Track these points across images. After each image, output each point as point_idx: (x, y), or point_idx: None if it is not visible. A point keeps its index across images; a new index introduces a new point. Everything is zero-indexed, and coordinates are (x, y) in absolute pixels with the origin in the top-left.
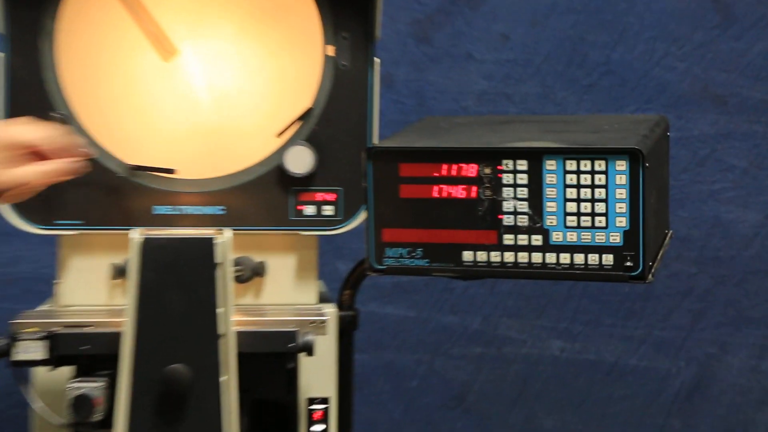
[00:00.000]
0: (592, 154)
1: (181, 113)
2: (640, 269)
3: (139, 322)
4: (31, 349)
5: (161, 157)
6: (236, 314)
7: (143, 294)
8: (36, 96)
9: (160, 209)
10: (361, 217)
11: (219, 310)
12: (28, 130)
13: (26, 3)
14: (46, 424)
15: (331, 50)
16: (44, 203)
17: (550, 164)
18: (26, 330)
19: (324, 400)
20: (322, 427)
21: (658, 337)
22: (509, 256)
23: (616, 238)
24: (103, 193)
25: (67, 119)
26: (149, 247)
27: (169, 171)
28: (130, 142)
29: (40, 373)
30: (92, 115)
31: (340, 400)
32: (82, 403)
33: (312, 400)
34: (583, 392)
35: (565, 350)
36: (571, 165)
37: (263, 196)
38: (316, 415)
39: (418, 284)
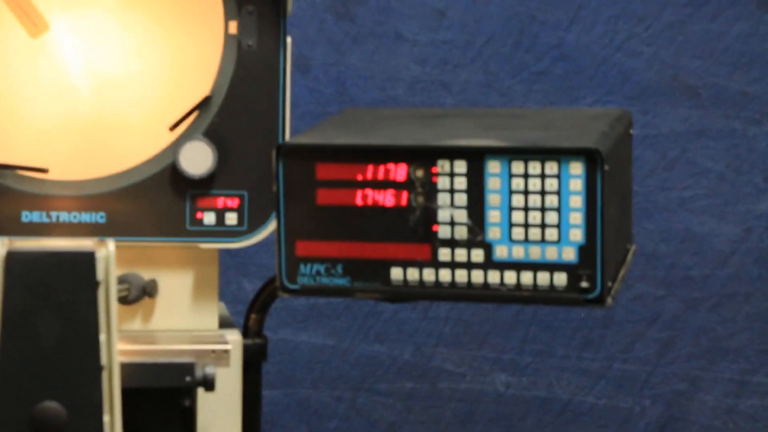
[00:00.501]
0: (543, 154)
1: (53, 101)
2: (597, 291)
3: (4, 353)
4: None
5: (30, 154)
6: (121, 342)
7: (8, 318)
8: None
9: (30, 216)
10: (271, 227)
11: (101, 337)
12: None
13: None
14: None
15: (233, 27)
16: None
17: (493, 166)
18: None
19: None
20: None
21: (620, 371)
22: (445, 275)
23: (570, 255)
24: None
25: None
26: (15, 261)
27: (41, 170)
28: None
29: None
30: None
31: None
32: None
33: None
34: None
35: (511, 386)
36: (517, 167)
37: (153, 202)
38: None
39: (338, 307)
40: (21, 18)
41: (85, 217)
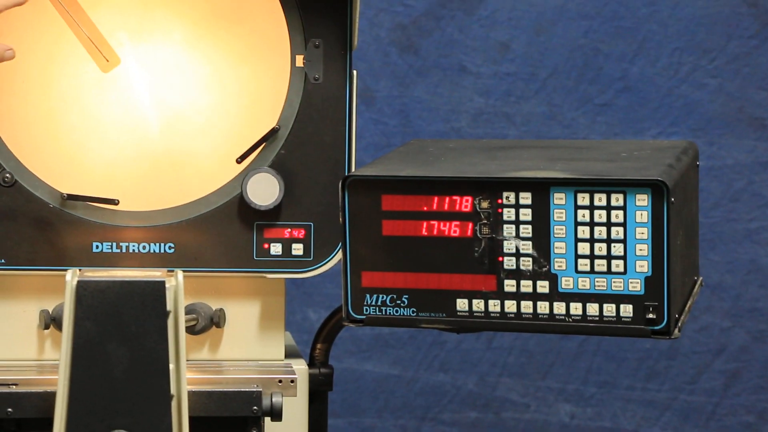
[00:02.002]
0: (608, 186)
1: (123, 134)
2: (664, 322)
3: (75, 381)
4: None
5: (101, 186)
6: (190, 371)
7: (79, 347)
8: None
9: (100, 246)
10: (336, 257)
11: (170, 367)
12: None
13: None
14: None
15: (300, 60)
16: None
17: (559, 198)
18: None
19: None
20: None
21: (685, 403)
22: (511, 306)
23: (636, 286)
24: (31, 226)
25: None
26: (87, 291)
27: (111, 201)
28: (64, 168)
29: None
30: (19, 135)
31: None
32: None
33: None
34: None
35: (576, 416)
36: (583, 199)
37: (221, 232)
38: None
39: (402, 337)
40: (93, 53)
41: (154, 247)
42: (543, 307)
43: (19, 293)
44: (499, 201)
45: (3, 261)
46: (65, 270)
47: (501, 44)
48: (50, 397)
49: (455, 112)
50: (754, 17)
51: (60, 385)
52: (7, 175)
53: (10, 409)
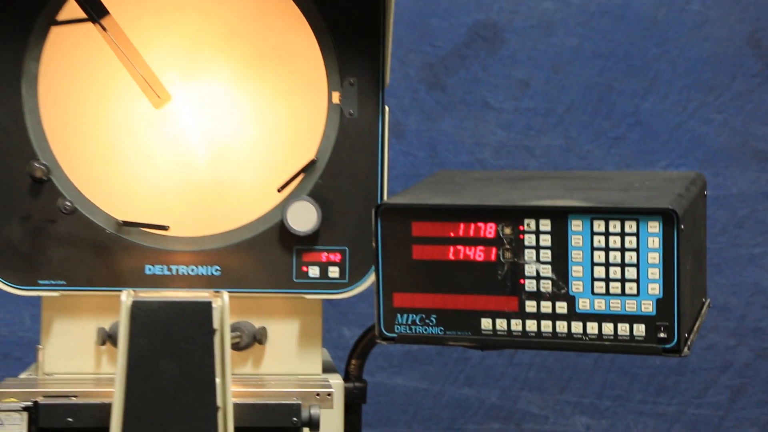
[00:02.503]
0: (622, 214)
1: (173, 164)
2: (674, 341)
3: (129, 393)
4: (9, 422)
5: (153, 213)
6: (234, 385)
7: (133, 362)
8: (17, 144)
9: (152, 269)
10: (370, 279)
11: (216, 381)
12: None
13: (7, 43)
14: None
15: (336, 97)
16: (26, 262)
17: (576, 225)
18: (5, 400)
19: None
20: None
21: (693, 416)
22: (531, 325)
23: (648, 307)
24: (90, 251)
25: (50, 170)
26: (140, 310)
27: (163, 228)
28: (120, 196)
29: None
30: (78, 166)
31: None
32: None
33: None
34: None
35: (591, 427)
36: (599, 226)
37: (263, 256)
38: None
39: (430, 353)
40: (146, 90)
41: (202, 270)
42: (561, 326)
43: (79, 312)
44: (521, 227)
45: (64, 282)
46: (120, 291)
47: (521, 82)
48: (107, 408)
49: (479, 145)
50: (757, 57)
51: (116, 397)
52: (68, 203)
53: (70, 419)
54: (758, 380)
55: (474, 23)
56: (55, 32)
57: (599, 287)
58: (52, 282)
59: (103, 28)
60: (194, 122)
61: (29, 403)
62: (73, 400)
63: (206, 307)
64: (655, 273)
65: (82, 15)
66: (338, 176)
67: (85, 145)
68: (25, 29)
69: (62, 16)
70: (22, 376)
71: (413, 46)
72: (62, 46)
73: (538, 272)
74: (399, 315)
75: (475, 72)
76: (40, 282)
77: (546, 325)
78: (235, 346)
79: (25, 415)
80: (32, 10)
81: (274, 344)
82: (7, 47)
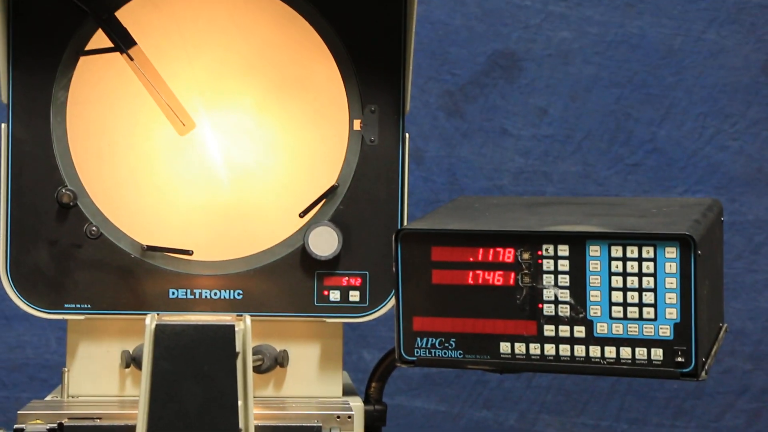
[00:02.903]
0: (640, 239)
1: (197, 190)
2: (692, 366)
3: (153, 416)
4: None
5: (177, 238)
6: (256, 407)
7: (157, 384)
8: (45, 170)
9: (176, 293)
10: (390, 303)
11: (239, 403)
12: None
13: (37, 72)
14: None
15: (357, 124)
16: (52, 285)
17: (594, 250)
18: (31, 422)
19: None
20: None
21: None
22: (550, 349)
23: (665, 332)
24: (114, 275)
25: (77, 196)
26: (164, 333)
27: (186, 252)
28: (144, 221)
29: None
30: (104, 192)
31: None
32: None
33: None
34: None
35: None
36: (616, 251)
37: (285, 280)
38: None
39: (449, 376)
40: (171, 118)
41: (225, 294)
42: (579, 350)
43: (103, 335)
44: (539, 252)
45: (89, 306)
46: (145, 314)
47: (539, 109)
48: (131, 430)
49: (498, 171)
50: None
51: (139, 419)
52: (93, 228)
53: None
54: None
55: (493, 52)
56: (83, 61)
57: (617, 312)
58: (78, 305)
59: (130, 58)
60: (218, 149)
61: (54, 425)
62: (98, 422)
63: (229, 330)
64: (672, 298)
65: (110, 45)
66: (359, 202)
67: (111, 171)
68: (55, 59)
69: (90, 46)
70: (48, 398)
71: (433, 74)
72: (90, 75)
73: (556, 297)
74: (419, 338)
75: (494, 100)
76: (66, 305)
77: (564, 349)
78: (257, 369)
79: None
80: (61, 41)
81: (296, 367)
82: (37, 76)
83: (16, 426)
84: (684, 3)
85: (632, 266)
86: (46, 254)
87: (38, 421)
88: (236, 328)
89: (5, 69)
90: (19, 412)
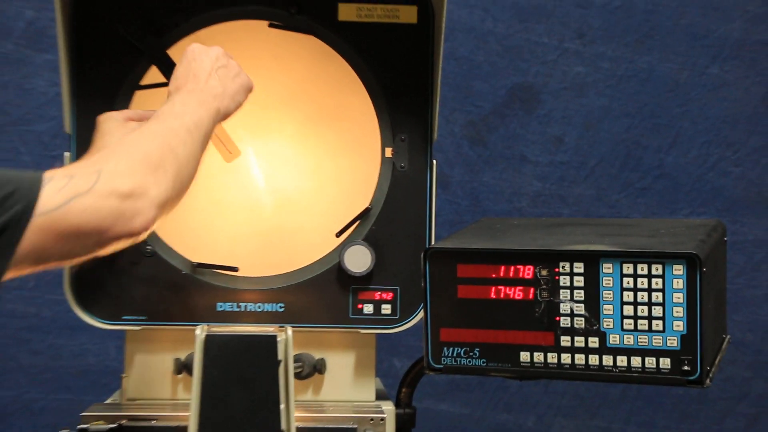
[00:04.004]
0: (649, 258)
1: (242, 212)
2: (697, 374)
3: (203, 418)
4: None
5: (224, 255)
6: (297, 410)
7: (207, 389)
8: None
9: (223, 306)
10: (419, 316)
11: (281, 407)
12: None
13: (97, 104)
14: None
15: (389, 152)
16: (112, 299)
17: (607, 267)
18: (93, 423)
19: None
20: None
21: None
22: (566, 358)
23: (673, 342)
24: (167, 289)
25: None
26: (213, 343)
27: (232, 269)
28: (194, 241)
29: None
30: None
31: None
32: None
33: None
34: None
35: None
36: (628, 268)
37: (322, 294)
38: None
39: (472, 382)
40: (218, 146)
41: (267, 307)
42: (593, 359)
43: (157, 344)
44: (557, 270)
45: (145, 317)
46: (195, 326)
47: (556, 138)
48: (183, 430)
49: (517, 195)
50: None
51: (191, 421)
52: (148, 247)
53: None
54: None
55: (513, 85)
56: (138, 95)
57: (628, 324)
58: (135, 317)
59: None
60: (261, 174)
61: (114, 426)
62: (153, 423)
63: (272, 340)
64: (679, 311)
65: (163, 80)
66: (390, 223)
67: None
68: (113, 92)
69: (145, 81)
70: (108, 401)
71: (458, 105)
72: (145, 108)
73: (572, 310)
74: (445, 348)
75: (514, 129)
76: (124, 317)
77: (579, 358)
78: (298, 376)
79: None
80: (119, 76)
81: (332, 374)
82: (97, 108)
83: (79, 426)
84: (689, 40)
85: (642, 282)
86: (106, 271)
87: (100, 422)
88: (278, 339)
89: (69, 101)
90: (82, 413)
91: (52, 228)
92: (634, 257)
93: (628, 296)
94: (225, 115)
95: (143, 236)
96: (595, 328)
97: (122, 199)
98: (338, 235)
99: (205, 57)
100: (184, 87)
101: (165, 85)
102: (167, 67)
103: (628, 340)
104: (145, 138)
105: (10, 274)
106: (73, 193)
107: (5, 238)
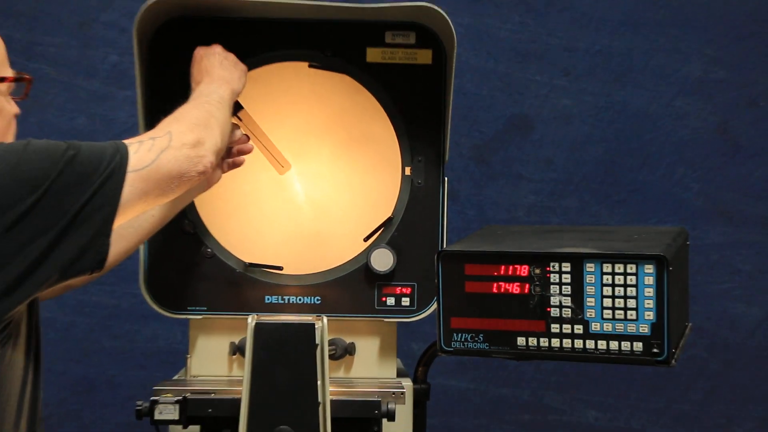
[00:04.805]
0: (625, 259)
1: (286, 220)
2: (665, 355)
3: (253, 392)
4: (167, 411)
5: (271, 257)
6: (331, 386)
7: (256, 368)
8: None
9: (270, 298)
10: (433, 307)
11: (318, 383)
12: None
13: None
14: None
15: (408, 171)
16: (178, 293)
17: (590, 267)
18: (164, 395)
19: None
20: None
21: (677, 410)
22: (555, 342)
23: (644, 329)
24: (224, 285)
25: (195, 226)
26: (261, 330)
27: (278, 268)
28: (246, 244)
29: (175, 430)
30: (217, 222)
31: None
32: None
33: None
34: None
35: (599, 419)
36: (607, 268)
37: (353, 289)
38: None
39: (477, 362)
40: (273, 162)
41: (307, 299)
42: (578, 343)
43: (216, 330)
44: (548, 269)
45: (205, 308)
46: (247, 315)
47: (547, 159)
48: (237, 402)
49: (515, 206)
50: (724, 140)
51: (243, 394)
52: (209, 250)
53: (210, 410)
54: (725, 384)
55: (510, 115)
56: None
57: (607, 314)
58: (197, 308)
59: (239, 119)
60: (302, 189)
61: (180, 398)
62: (212, 396)
63: (310, 327)
64: (650, 303)
65: None
66: (409, 229)
67: (221, 206)
68: None
69: None
70: (175, 377)
71: (465, 132)
72: None
73: (560, 302)
74: (455, 334)
75: (512, 152)
76: (189, 308)
77: (566, 342)
78: (332, 357)
79: (177, 406)
80: None
81: (361, 355)
82: None
83: (152, 398)
84: (657, 78)
85: (619, 279)
86: (174, 270)
87: (169, 395)
88: (316, 326)
89: (143, 130)
90: (154, 387)
91: (152, 176)
92: (612, 258)
93: (607, 291)
94: (237, 93)
95: (207, 175)
96: (579, 317)
97: (190, 147)
98: (366, 239)
99: (210, 55)
100: (202, 80)
101: None
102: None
103: (607, 327)
104: (192, 108)
105: (121, 219)
106: (159, 150)
107: (113, 181)
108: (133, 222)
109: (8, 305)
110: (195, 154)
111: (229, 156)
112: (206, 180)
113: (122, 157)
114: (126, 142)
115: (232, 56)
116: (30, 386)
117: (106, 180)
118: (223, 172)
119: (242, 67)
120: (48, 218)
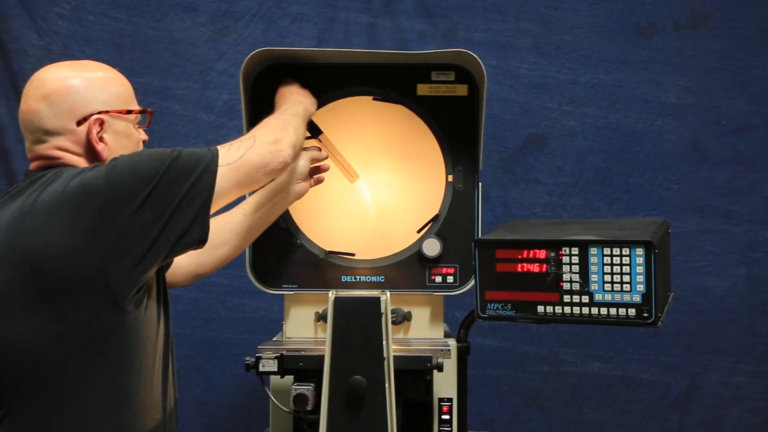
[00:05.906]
0: (621, 244)
1: (357, 217)
2: (653, 318)
3: (334, 350)
4: (268, 365)
5: (346, 245)
6: (393, 345)
7: (336, 332)
8: None
9: (345, 278)
10: (471, 283)
11: (383, 343)
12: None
13: None
14: (279, 412)
15: (450, 178)
16: (275, 273)
17: (593, 251)
18: (266, 352)
19: (449, 400)
20: (448, 417)
21: (663, 362)
22: (567, 309)
23: (637, 298)
24: (310, 267)
25: (288, 223)
26: (339, 303)
27: (351, 254)
28: (327, 236)
29: (275, 380)
30: (304, 220)
31: (459, 399)
32: (299, 399)
33: (441, 400)
34: (614, 396)
35: (603, 369)
36: (606, 251)
37: (409, 270)
38: (445, 409)
39: (506, 325)
40: (344, 173)
41: (374, 278)
42: (585, 310)
43: (304, 303)
44: (561, 252)
45: (296, 285)
46: (328, 291)
47: (558, 167)
48: (321, 358)
49: (534, 204)
50: (695, 151)
51: (326, 352)
52: (298, 241)
53: (301, 363)
54: (702, 341)
55: (529, 134)
56: None
57: (608, 287)
58: (290, 285)
59: (320, 141)
60: (369, 193)
61: (278, 355)
62: (302, 353)
63: (377, 301)
64: (640, 278)
65: (308, 134)
66: (452, 224)
67: (306, 208)
68: None
69: None
70: (274, 339)
71: (494, 147)
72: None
73: (571, 278)
74: (489, 304)
75: (531, 162)
76: (283, 285)
77: (576, 309)
78: (393, 322)
79: (276, 361)
80: None
81: (416, 321)
82: None
83: (257, 355)
84: (642, 104)
85: (616, 260)
86: (273, 256)
87: (269, 352)
88: (381, 299)
89: None
90: (258, 346)
91: (241, 168)
92: (611, 244)
93: (607, 269)
94: (310, 112)
95: (288, 167)
96: (586, 289)
97: (271, 144)
98: (418, 231)
99: (289, 88)
100: (281, 105)
101: (309, 137)
102: (311, 126)
103: (608, 297)
104: (272, 119)
105: (219, 203)
106: (246, 148)
107: (208, 173)
108: (244, 228)
109: (138, 275)
110: (275, 149)
111: (315, 173)
112: (298, 193)
113: (214, 155)
114: (219, 146)
115: (305, 90)
116: (162, 338)
117: (203, 173)
118: (311, 186)
119: (312, 97)
120: (161, 204)
